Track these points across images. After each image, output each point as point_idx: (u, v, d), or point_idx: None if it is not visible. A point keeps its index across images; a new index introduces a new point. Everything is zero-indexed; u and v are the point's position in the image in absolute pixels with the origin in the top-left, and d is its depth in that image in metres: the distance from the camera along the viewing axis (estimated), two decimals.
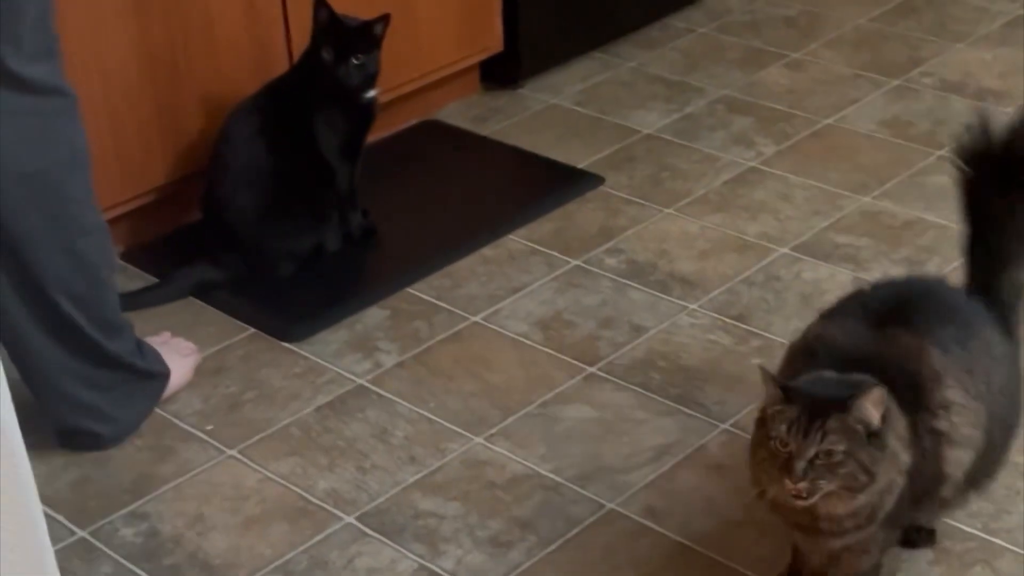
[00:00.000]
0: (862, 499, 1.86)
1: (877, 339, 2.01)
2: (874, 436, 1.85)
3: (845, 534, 1.94)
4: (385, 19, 2.86)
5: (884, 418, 1.85)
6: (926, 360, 2.00)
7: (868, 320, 2.04)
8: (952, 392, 1.96)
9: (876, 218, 3.06)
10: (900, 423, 1.91)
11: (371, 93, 2.91)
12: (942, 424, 1.95)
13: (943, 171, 3.20)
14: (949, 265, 2.88)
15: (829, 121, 3.44)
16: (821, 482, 1.81)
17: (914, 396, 1.95)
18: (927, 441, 1.96)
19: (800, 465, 1.81)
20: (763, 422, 1.89)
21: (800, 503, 1.84)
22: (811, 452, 1.81)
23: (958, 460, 1.97)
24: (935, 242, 2.96)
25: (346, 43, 2.83)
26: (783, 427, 1.83)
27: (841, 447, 1.81)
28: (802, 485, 1.81)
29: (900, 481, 1.91)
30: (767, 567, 2.20)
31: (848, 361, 1.94)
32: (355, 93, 2.88)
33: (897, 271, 2.87)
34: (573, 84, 3.67)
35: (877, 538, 1.98)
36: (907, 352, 2.00)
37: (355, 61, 2.84)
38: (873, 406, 1.84)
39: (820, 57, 3.75)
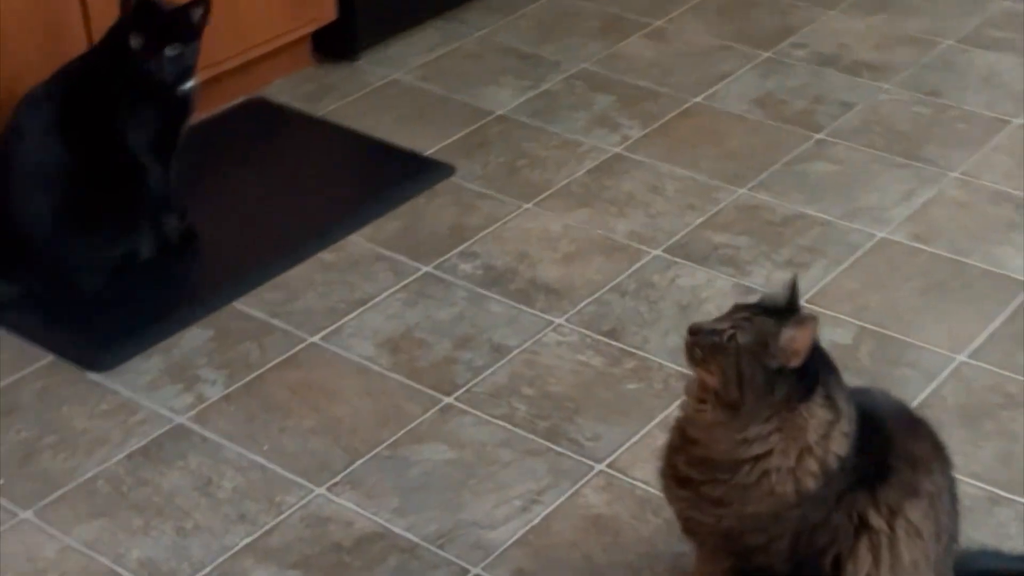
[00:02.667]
0: (714, 419, 1.68)
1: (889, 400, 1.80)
2: (780, 374, 1.64)
3: (702, 501, 1.72)
4: (204, 4, 2.46)
5: (809, 383, 1.65)
6: (925, 437, 1.74)
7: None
8: (914, 507, 1.68)
9: (754, 213, 2.79)
10: (832, 444, 1.67)
11: (188, 84, 2.52)
12: (875, 521, 1.67)
13: (823, 157, 2.95)
14: (836, 268, 2.62)
15: (698, 99, 3.15)
16: (697, 351, 1.67)
17: (875, 467, 1.70)
18: (842, 519, 1.68)
19: (702, 324, 1.69)
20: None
21: (688, 357, 1.69)
22: (722, 326, 1.66)
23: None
24: (819, 241, 2.70)
25: (159, 30, 2.43)
26: (740, 304, 1.73)
27: (741, 338, 1.64)
28: (689, 339, 1.68)
29: (784, 491, 1.66)
30: None
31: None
32: (169, 88, 2.49)
33: (780, 275, 2.60)
34: (415, 56, 3.31)
35: (753, 567, 1.75)
36: (911, 421, 1.74)
37: (169, 52, 2.44)
38: (795, 335, 1.64)
39: (684, 26, 3.45)
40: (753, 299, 1.78)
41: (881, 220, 2.75)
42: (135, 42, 2.43)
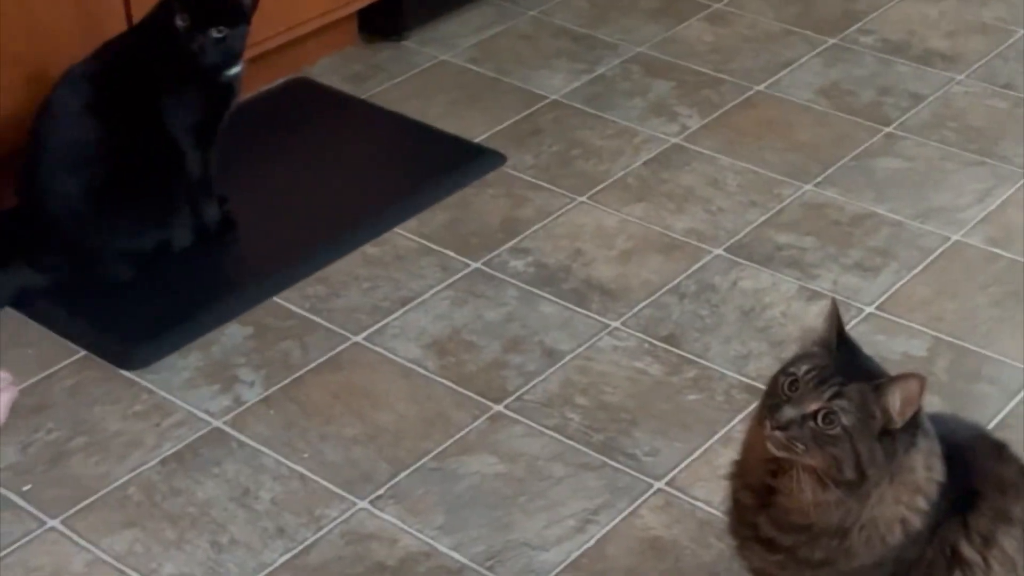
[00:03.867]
0: (830, 500, 1.52)
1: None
2: (888, 436, 1.50)
3: (799, 564, 1.59)
4: None
5: (913, 430, 1.52)
6: (1009, 461, 1.62)
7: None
8: (1007, 535, 1.56)
9: (821, 211, 2.64)
10: (936, 476, 1.55)
11: (234, 70, 2.39)
12: (968, 552, 1.55)
13: (892, 153, 2.80)
14: (908, 273, 2.48)
15: (760, 88, 3.01)
16: (799, 446, 1.51)
17: (963, 494, 1.57)
18: (935, 554, 1.56)
19: (790, 412, 1.51)
20: (792, 361, 1.58)
21: (772, 445, 1.52)
22: (813, 406, 1.50)
23: None
24: (889, 243, 2.56)
25: (207, 11, 2.31)
26: (804, 366, 1.53)
27: (847, 419, 1.49)
28: (779, 434, 1.51)
29: (893, 537, 1.54)
30: None
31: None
32: (213, 72, 2.37)
33: (848, 279, 2.47)
34: (465, 36, 3.17)
35: None
36: (993, 444, 1.62)
37: (216, 34, 2.31)
38: (903, 398, 1.49)
39: (746, 8, 3.29)
40: (812, 333, 1.62)
41: (955, 221, 2.61)
42: (181, 21, 2.31)
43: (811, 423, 1.50)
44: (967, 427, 1.73)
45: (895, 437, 1.52)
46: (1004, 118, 2.90)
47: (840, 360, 1.54)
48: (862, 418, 1.50)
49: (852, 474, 1.51)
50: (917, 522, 1.55)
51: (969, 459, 1.61)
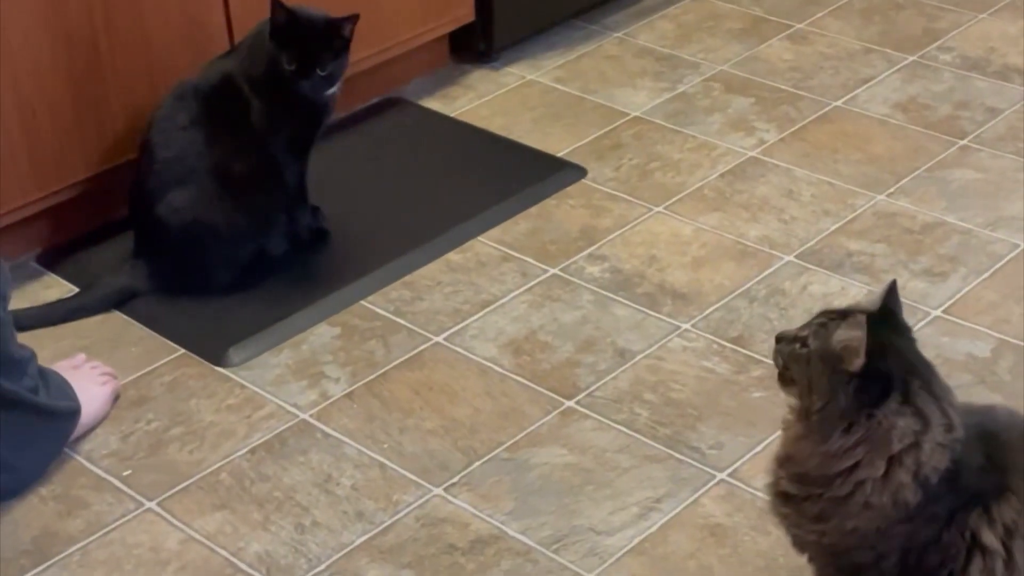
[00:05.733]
0: (801, 431, 1.65)
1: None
2: (856, 379, 1.60)
3: (802, 517, 1.68)
4: (353, 19, 2.47)
5: (883, 387, 1.60)
6: None
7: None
8: None
9: (893, 220, 2.71)
10: (934, 456, 1.61)
11: (330, 91, 2.54)
12: (989, 540, 1.60)
13: (966, 164, 2.86)
14: (976, 278, 2.54)
15: (838, 103, 3.08)
16: (779, 359, 1.67)
17: (991, 485, 1.63)
18: (954, 537, 1.62)
19: (787, 332, 1.69)
20: None
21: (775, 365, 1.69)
22: (805, 332, 1.66)
23: None
24: (959, 250, 2.62)
25: (310, 51, 2.45)
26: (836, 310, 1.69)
27: (812, 344, 1.64)
28: (778, 347, 1.68)
29: (882, 503, 1.61)
30: None
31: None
32: (319, 104, 2.52)
33: (916, 284, 2.53)
34: (553, 58, 3.30)
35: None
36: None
37: (321, 72, 2.46)
38: (845, 336, 1.59)
39: (827, 28, 3.38)
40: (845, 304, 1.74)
41: None
42: (288, 65, 2.44)
43: (796, 346, 1.64)
44: (1015, 420, 1.76)
45: (853, 381, 1.59)
46: None
47: (860, 311, 1.63)
48: (825, 349, 1.61)
49: (806, 400, 1.63)
50: (909, 497, 1.60)
51: (1008, 451, 1.65)
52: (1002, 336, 2.40)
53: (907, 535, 1.62)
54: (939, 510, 1.61)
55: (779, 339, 1.68)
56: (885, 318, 1.65)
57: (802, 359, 1.64)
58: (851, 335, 1.59)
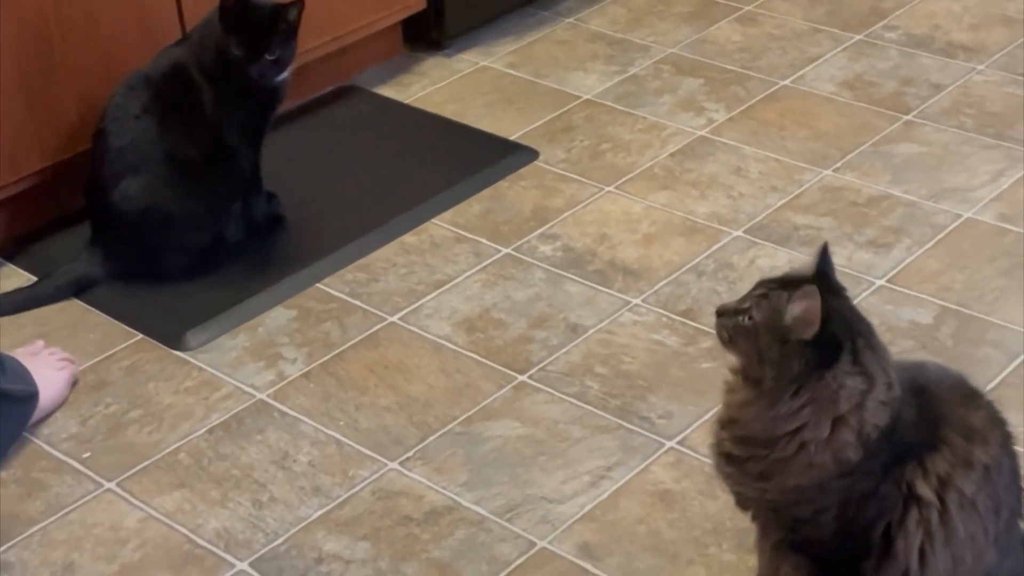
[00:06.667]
0: (747, 397, 1.68)
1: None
2: (804, 347, 1.62)
3: (745, 476, 1.72)
4: (299, 5, 2.51)
5: (831, 351, 1.62)
6: (981, 407, 1.72)
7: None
8: (967, 478, 1.66)
9: (838, 194, 2.76)
10: (876, 414, 1.65)
11: (281, 76, 2.57)
12: (923, 491, 1.65)
13: (911, 138, 2.91)
14: (919, 248, 2.59)
15: (786, 83, 3.13)
16: (724, 334, 1.69)
17: (925, 438, 1.68)
18: (890, 489, 1.67)
19: (728, 305, 1.70)
20: None
21: (718, 338, 1.71)
22: (744, 304, 1.68)
23: (916, 551, 1.66)
24: (903, 222, 2.67)
25: (259, 36, 2.48)
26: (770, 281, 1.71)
27: (757, 315, 1.66)
28: (720, 320, 1.70)
29: (823, 461, 1.65)
30: None
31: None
32: (270, 90, 2.56)
33: (861, 256, 2.58)
34: (505, 44, 3.34)
35: (801, 544, 1.74)
36: (966, 392, 1.73)
37: (270, 57, 2.50)
38: (801, 308, 1.61)
39: (775, 9, 3.43)
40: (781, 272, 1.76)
41: (967, 200, 2.71)
42: (236, 51, 2.48)
43: (737, 318, 1.67)
44: (947, 375, 1.81)
45: (803, 348, 1.62)
46: (1021, 104, 2.99)
47: (798, 278, 1.67)
48: (771, 318, 1.63)
49: (756, 370, 1.65)
50: (851, 455, 1.64)
51: (939, 406, 1.70)
52: (944, 303, 2.46)
53: (846, 489, 1.67)
54: (876, 464, 1.65)
55: (720, 313, 1.70)
56: (822, 281, 1.70)
57: (748, 331, 1.66)
58: (806, 306, 1.61)
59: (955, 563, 1.67)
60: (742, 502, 1.78)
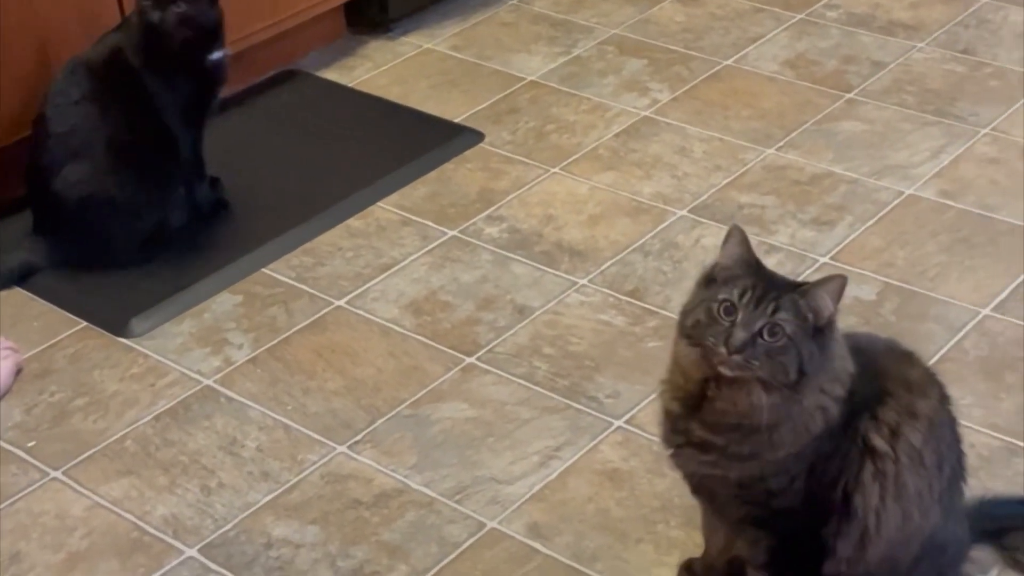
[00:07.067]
0: (768, 402, 1.62)
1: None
2: (820, 333, 1.63)
3: (729, 460, 1.69)
4: None
5: (832, 325, 1.65)
6: (917, 365, 1.75)
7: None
8: (914, 429, 1.69)
9: (782, 173, 2.78)
10: (848, 365, 1.68)
11: (217, 54, 2.55)
12: (878, 443, 1.68)
13: (852, 117, 2.94)
14: (862, 225, 2.61)
15: (728, 62, 3.15)
16: (755, 362, 1.61)
17: (874, 392, 1.70)
18: (849, 445, 1.69)
19: (742, 335, 1.61)
20: (710, 281, 1.69)
21: (726, 370, 1.62)
22: (759, 324, 1.61)
23: (872, 506, 1.69)
24: (846, 199, 2.69)
25: None
26: (736, 291, 1.64)
27: (789, 327, 1.61)
28: (737, 358, 1.61)
29: (815, 425, 1.66)
30: None
31: None
32: (188, 52, 2.53)
33: (806, 233, 2.60)
34: (448, 26, 3.33)
35: (765, 516, 1.73)
36: (902, 353, 1.75)
37: (177, 9, 2.48)
38: (830, 296, 1.63)
39: None
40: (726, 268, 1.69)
41: (909, 177, 2.74)
42: (144, 2, 2.48)
43: (760, 339, 1.61)
44: (879, 339, 1.86)
45: (824, 334, 1.64)
46: (961, 81, 3.03)
47: (762, 277, 1.66)
48: (800, 324, 1.62)
49: (795, 375, 1.62)
50: (835, 409, 1.66)
51: (880, 364, 1.73)
52: (887, 279, 2.48)
53: (815, 451, 1.68)
54: (839, 418, 1.68)
55: (741, 347, 1.60)
56: (759, 267, 1.69)
57: (785, 347, 1.61)
58: (837, 291, 1.63)
59: (904, 519, 1.70)
60: (706, 485, 1.77)
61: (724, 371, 1.63)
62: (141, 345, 2.42)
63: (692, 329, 1.66)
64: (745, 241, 1.69)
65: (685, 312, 1.69)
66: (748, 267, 1.67)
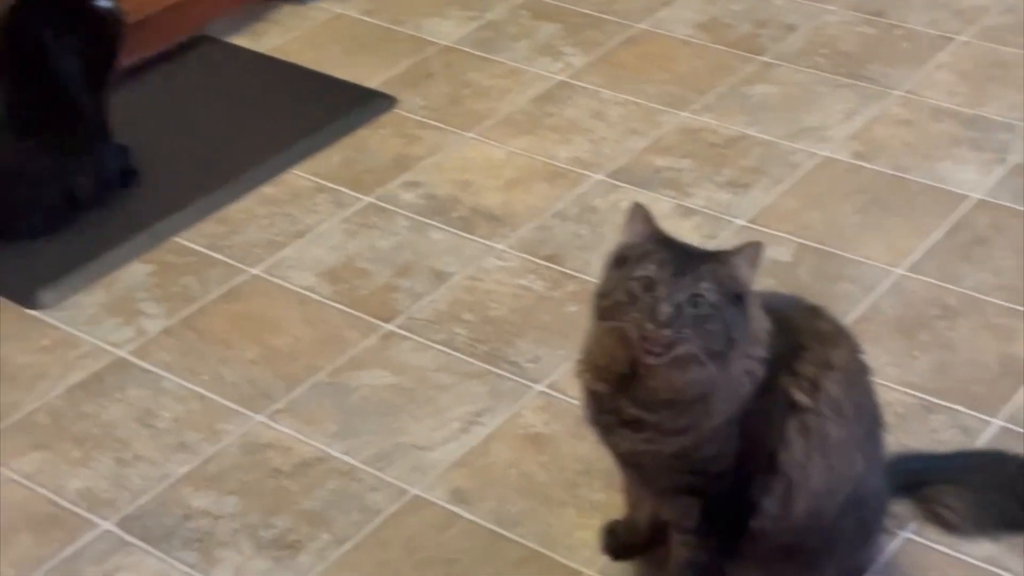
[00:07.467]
0: (702, 376, 1.61)
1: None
2: (740, 300, 1.63)
3: (664, 435, 1.67)
4: None
5: (750, 288, 1.65)
6: (826, 318, 1.76)
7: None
8: (831, 380, 1.70)
9: (697, 136, 2.78)
10: (764, 324, 1.68)
11: (103, 2, 2.49)
12: (799, 397, 1.69)
13: (766, 79, 2.94)
14: (777, 187, 2.63)
15: (643, 26, 3.14)
16: (685, 333, 1.59)
17: (789, 347, 1.70)
18: (774, 404, 1.69)
19: (667, 308, 1.59)
20: (622, 261, 1.66)
21: (652, 360, 1.60)
22: (682, 295, 1.60)
23: (797, 460, 1.70)
24: (761, 162, 2.70)
25: None
26: (652, 266, 1.62)
27: (712, 296, 1.61)
28: (666, 332, 1.58)
29: (744, 389, 1.66)
30: (591, 554, 1.94)
31: None
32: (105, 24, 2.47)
33: (723, 196, 2.61)
34: None
35: (697, 483, 1.73)
36: (810, 307, 1.77)
37: None
38: (747, 263, 1.63)
39: None
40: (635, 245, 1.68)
41: (823, 139, 2.75)
42: None
43: (685, 311, 1.59)
44: (785, 296, 1.87)
45: (744, 300, 1.64)
46: (873, 43, 3.05)
47: (676, 249, 1.65)
48: (721, 292, 1.61)
49: (724, 344, 1.61)
50: (759, 370, 1.67)
51: (791, 319, 1.74)
52: (803, 241, 2.49)
53: (745, 412, 1.68)
54: (762, 377, 1.68)
55: (666, 322, 1.57)
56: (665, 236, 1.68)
57: (710, 315, 1.60)
58: (757, 258, 1.63)
59: (828, 471, 1.71)
60: (636, 460, 1.76)
61: (649, 361, 1.60)
62: (51, 317, 2.36)
63: (613, 310, 1.64)
64: (650, 217, 1.68)
65: (601, 294, 1.66)
66: (659, 241, 1.66)
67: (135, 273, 2.46)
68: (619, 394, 1.69)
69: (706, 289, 1.60)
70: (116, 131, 2.63)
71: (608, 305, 1.65)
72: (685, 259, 1.63)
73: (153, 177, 2.67)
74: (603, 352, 1.70)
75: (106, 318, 2.36)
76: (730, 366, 1.64)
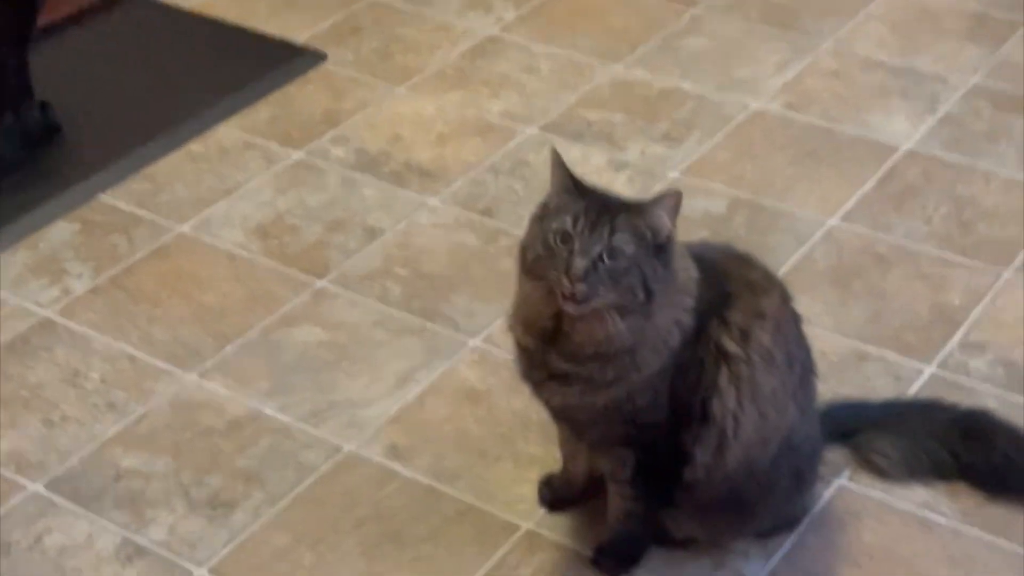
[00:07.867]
0: (624, 328, 1.60)
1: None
2: (661, 250, 1.61)
3: (594, 388, 1.66)
4: None
5: (672, 239, 1.63)
6: (756, 266, 1.75)
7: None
8: (762, 329, 1.69)
9: (630, 89, 2.77)
10: (692, 273, 1.67)
11: None
12: (730, 346, 1.68)
13: (698, 32, 2.93)
14: (710, 140, 2.62)
15: None
16: (600, 288, 1.58)
17: (719, 296, 1.69)
18: (703, 351, 1.69)
19: (582, 263, 1.58)
20: (542, 218, 1.66)
21: (571, 308, 1.59)
22: (597, 249, 1.58)
23: (730, 409, 1.70)
24: (693, 115, 2.69)
25: None
26: (568, 219, 1.60)
27: (629, 248, 1.59)
28: (580, 287, 1.57)
29: (673, 339, 1.65)
30: (528, 507, 1.93)
31: None
32: None
33: (656, 149, 2.60)
34: None
35: (630, 434, 1.72)
36: (740, 255, 1.76)
37: None
38: (666, 212, 1.61)
39: None
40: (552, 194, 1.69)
41: (755, 92, 2.75)
42: None
43: (601, 263, 1.58)
44: (716, 245, 1.87)
45: (665, 250, 1.62)
46: None
47: (592, 200, 1.63)
48: (639, 243, 1.60)
49: (643, 296, 1.60)
50: (688, 320, 1.66)
51: (721, 268, 1.73)
52: (736, 192, 2.49)
53: (676, 363, 1.67)
54: (692, 327, 1.67)
55: (582, 275, 1.57)
56: (581, 184, 1.67)
57: (626, 268, 1.59)
58: (675, 206, 1.61)
59: (760, 420, 1.71)
60: (569, 414, 1.75)
61: (569, 309, 1.59)
62: None
63: (533, 264, 1.63)
64: (564, 166, 1.66)
65: (524, 248, 1.66)
66: (576, 192, 1.64)
67: (60, 232, 2.41)
68: (547, 348, 1.69)
69: (623, 241, 1.59)
70: (38, 88, 2.57)
71: (531, 259, 1.64)
72: (602, 210, 1.61)
73: (77, 135, 2.62)
74: (529, 306, 1.69)
75: (31, 278, 2.31)
76: (654, 317, 1.63)
